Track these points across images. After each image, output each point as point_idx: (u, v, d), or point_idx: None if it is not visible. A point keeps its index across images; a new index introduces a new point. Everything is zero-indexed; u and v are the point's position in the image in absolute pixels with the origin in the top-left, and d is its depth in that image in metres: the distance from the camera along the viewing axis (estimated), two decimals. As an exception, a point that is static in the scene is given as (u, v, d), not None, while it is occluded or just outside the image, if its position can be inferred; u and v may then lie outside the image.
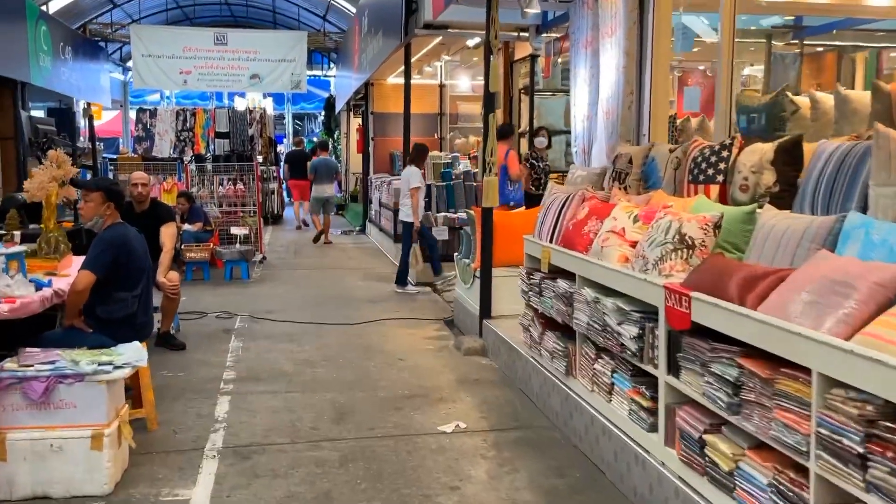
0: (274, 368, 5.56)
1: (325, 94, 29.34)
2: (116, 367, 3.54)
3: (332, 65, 26.05)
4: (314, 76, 31.13)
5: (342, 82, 20.69)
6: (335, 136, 24.77)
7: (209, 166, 10.83)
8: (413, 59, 10.55)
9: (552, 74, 9.38)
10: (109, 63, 22.48)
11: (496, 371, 5.52)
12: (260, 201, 10.84)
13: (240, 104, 19.96)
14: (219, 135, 16.23)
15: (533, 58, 9.34)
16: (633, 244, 3.59)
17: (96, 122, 24.00)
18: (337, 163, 16.00)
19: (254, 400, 4.85)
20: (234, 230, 9.74)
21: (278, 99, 35.84)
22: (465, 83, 15.02)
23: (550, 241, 4.62)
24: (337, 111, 23.35)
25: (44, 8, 16.44)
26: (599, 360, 3.80)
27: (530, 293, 4.74)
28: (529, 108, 9.41)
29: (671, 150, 4.22)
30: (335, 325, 6.96)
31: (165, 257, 6.03)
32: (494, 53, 6.08)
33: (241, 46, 19.54)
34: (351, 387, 5.12)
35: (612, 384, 3.64)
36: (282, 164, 20.75)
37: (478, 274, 6.24)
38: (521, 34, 9.25)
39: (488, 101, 6.17)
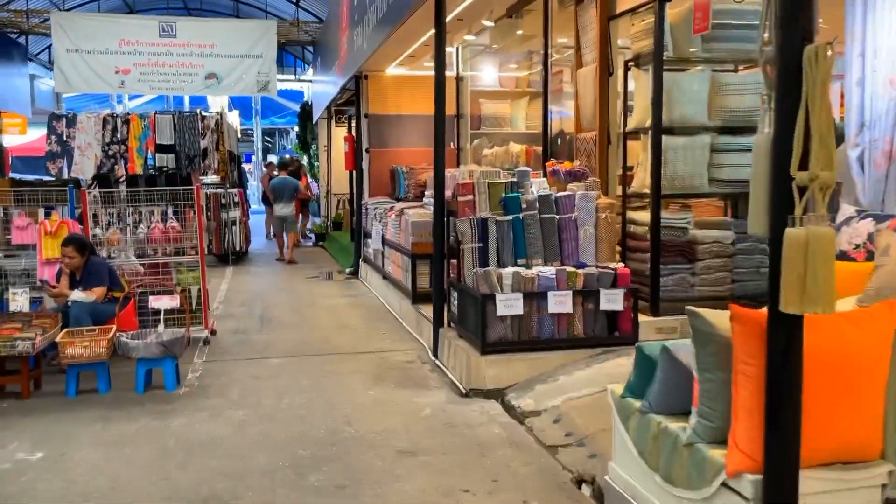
0: None
1: (298, 107, 25.60)
2: None
3: (307, 67, 22.14)
4: (285, 87, 27.27)
5: (321, 86, 16.78)
6: (311, 150, 20.86)
7: (123, 192, 6.81)
8: (448, 18, 6.64)
9: (688, 36, 5.53)
10: (34, 65, 18.37)
11: None
12: (203, 246, 6.85)
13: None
14: (161, 148, 12.20)
15: (662, 3, 5.50)
16: None
17: (20, 139, 19.85)
18: (296, 181, 13.92)
19: None
20: (156, 302, 5.72)
21: (246, 113, 31.97)
22: (491, 75, 11.14)
23: None
24: (314, 121, 19.43)
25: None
26: None
27: None
28: (655, 89, 5.55)
29: None
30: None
31: None
32: None
33: (194, 39, 15.57)
34: None
35: None
36: (248, 185, 16.82)
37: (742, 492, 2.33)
38: (640, -36, 5.43)
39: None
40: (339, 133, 17.15)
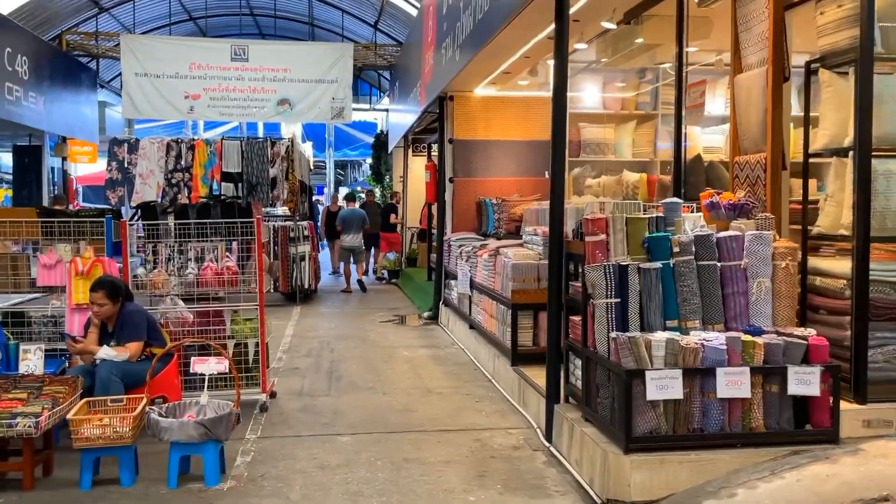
0: None
1: (370, 140, 24.86)
2: None
3: (382, 95, 21.28)
4: (360, 118, 26.57)
5: (398, 114, 15.77)
6: (384, 181, 19.90)
7: (170, 224, 5.71)
8: (572, 9, 5.33)
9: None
10: (106, 92, 18.00)
11: None
12: (262, 292, 5.65)
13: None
14: (227, 176, 11.27)
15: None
16: None
17: (89, 168, 19.50)
18: (364, 213, 13.92)
19: None
20: (199, 365, 4.50)
21: (318, 145, 31.50)
22: (593, 95, 9.76)
23: None
24: (389, 151, 18.44)
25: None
26: None
27: None
28: (861, 96, 4.09)
29: None
30: None
31: None
32: None
33: (267, 63, 14.79)
34: None
35: None
36: (318, 217, 15.91)
37: None
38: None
39: None
40: (416, 163, 16.07)
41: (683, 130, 6.27)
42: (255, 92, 14.70)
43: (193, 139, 11.74)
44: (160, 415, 4.20)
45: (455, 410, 5.74)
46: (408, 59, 13.71)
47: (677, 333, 4.18)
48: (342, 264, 14.48)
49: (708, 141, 8.26)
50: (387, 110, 20.24)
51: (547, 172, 10.09)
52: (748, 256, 4.35)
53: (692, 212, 4.74)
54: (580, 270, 4.65)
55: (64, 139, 15.14)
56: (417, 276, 13.73)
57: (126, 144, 11.34)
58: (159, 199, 11.07)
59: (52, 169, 15.37)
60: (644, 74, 9.08)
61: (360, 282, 13.63)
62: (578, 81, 9.66)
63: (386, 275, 15.57)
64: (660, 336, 4.09)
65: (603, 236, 4.48)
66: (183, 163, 11.33)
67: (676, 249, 4.36)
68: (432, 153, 14.13)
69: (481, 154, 10.02)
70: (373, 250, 16.19)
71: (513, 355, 6.15)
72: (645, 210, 4.73)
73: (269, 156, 11.42)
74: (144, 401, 4.29)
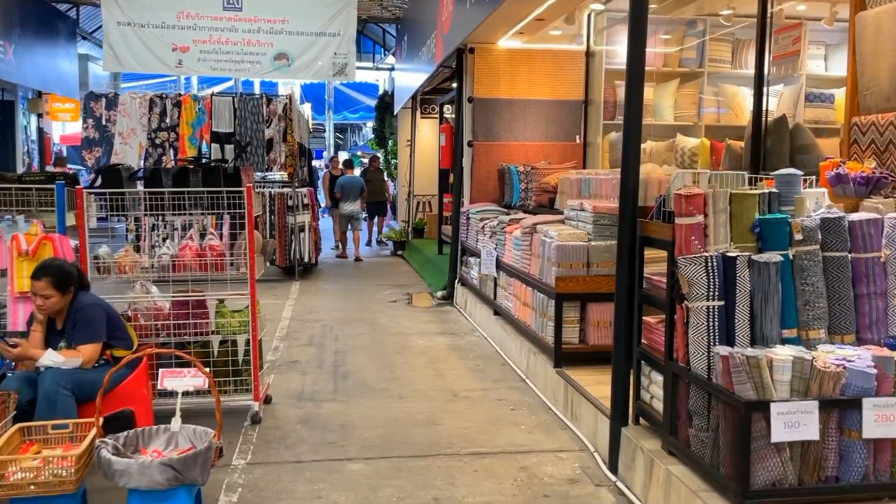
0: None
1: (371, 102, 23.62)
2: None
3: (386, 54, 19.99)
4: (361, 78, 25.22)
5: (406, 73, 14.55)
6: (388, 146, 18.74)
7: (140, 191, 4.61)
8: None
9: None
10: (89, 44, 16.72)
11: None
12: (254, 275, 4.59)
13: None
14: (218, 137, 10.15)
15: None
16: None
17: (72, 126, 18.26)
18: (362, 180, 13.85)
19: None
20: (170, 380, 3.45)
21: (318, 107, 30.17)
22: (631, 49, 8.59)
23: None
24: (395, 113, 17.26)
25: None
26: None
27: None
28: None
29: None
30: None
31: None
32: None
33: (263, 13, 13.50)
34: None
35: None
36: (318, 182, 14.84)
37: None
38: None
39: None
40: (426, 126, 14.91)
41: (766, 85, 5.18)
42: (250, 45, 13.44)
43: (180, 95, 10.56)
44: (115, 449, 3.17)
45: (489, 423, 4.73)
46: (419, 10, 12.48)
47: (801, 348, 3.15)
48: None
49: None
50: (392, 68, 18.99)
51: (578, 137, 9.04)
52: (888, 247, 3.30)
53: (813, 187, 3.67)
54: (668, 261, 3.59)
55: (40, 94, 13.91)
56: (426, 249, 12.68)
57: (104, 99, 10.20)
58: (142, 161, 9.98)
59: (28, 127, 14.18)
60: (694, 25, 7.94)
61: (357, 258, 13.20)
62: (614, 34, 8.49)
63: (391, 245, 14.57)
64: (783, 353, 3.06)
65: (700, 217, 3.41)
66: (168, 121, 10.20)
67: (798, 236, 3.31)
68: (444, 115, 12.98)
69: (504, 115, 8.89)
70: (376, 219, 15.28)
71: (556, 355, 5.12)
72: (751, 183, 3.65)
73: (264, 115, 10.29)
74: (94, 431, 3.25)
